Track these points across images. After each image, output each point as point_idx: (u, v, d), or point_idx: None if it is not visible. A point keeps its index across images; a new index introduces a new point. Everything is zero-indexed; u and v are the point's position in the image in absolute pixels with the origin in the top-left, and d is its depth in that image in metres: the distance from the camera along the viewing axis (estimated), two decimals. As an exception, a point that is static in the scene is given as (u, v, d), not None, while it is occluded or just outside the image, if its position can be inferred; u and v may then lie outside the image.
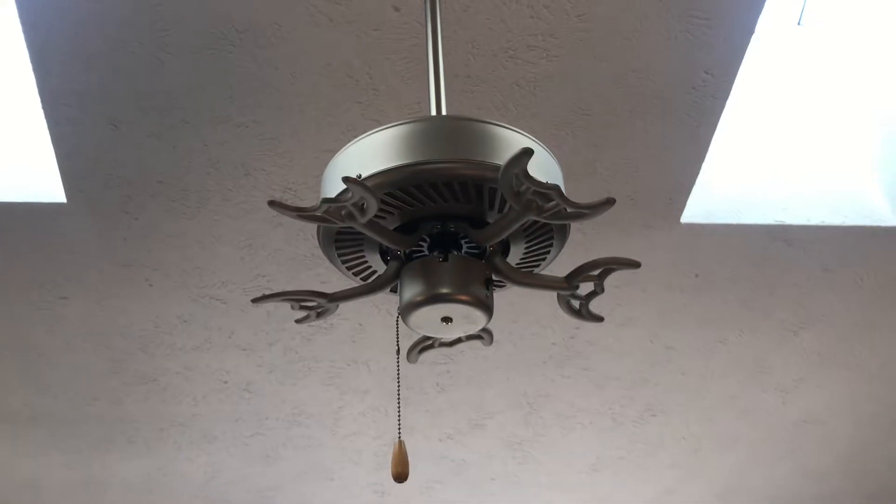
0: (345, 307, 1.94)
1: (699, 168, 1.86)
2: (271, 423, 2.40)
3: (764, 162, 2.06)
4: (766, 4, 1.63)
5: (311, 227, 1.70)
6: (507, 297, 2.00)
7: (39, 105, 1.68)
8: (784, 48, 2.25)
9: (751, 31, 1.65)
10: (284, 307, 1.88)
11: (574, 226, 1.46)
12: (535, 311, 2.11)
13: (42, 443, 2.43)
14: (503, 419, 2.44)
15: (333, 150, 1.72)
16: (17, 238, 1.92)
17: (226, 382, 2.27)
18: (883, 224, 2.00)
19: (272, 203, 0.92)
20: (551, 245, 1.07)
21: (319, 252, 1.09)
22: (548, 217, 0.94)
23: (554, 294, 1.09)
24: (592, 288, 1.08)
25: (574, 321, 1.42)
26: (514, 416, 2.44)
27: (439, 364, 2.25)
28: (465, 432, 2.48)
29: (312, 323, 1.14)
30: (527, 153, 0.88)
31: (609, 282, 1.07)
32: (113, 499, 2.65)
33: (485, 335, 1.15)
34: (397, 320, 1.05)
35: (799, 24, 2.40)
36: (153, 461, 2.51)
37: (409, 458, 1.09)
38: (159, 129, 1.70)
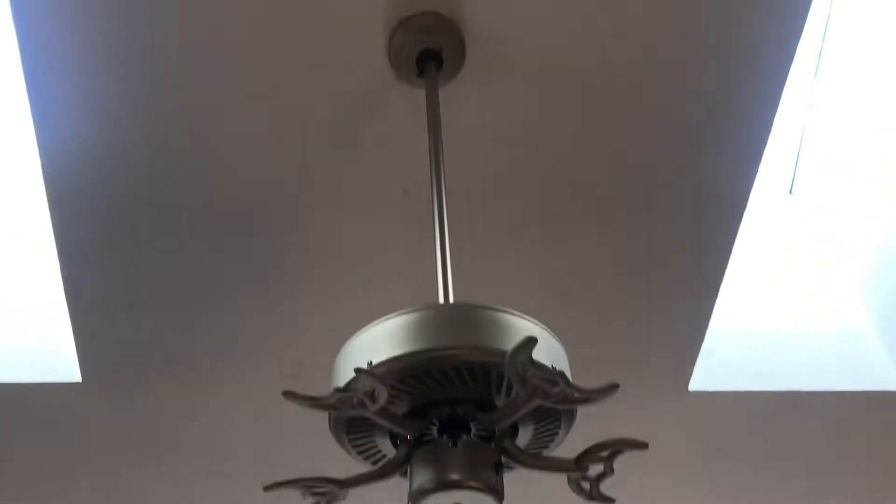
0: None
1: (703, 335, 1.89)
2: None
3: (768, 327, 2.09)
4: (758, 176, 1.72)
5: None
6: (520, 473, 1.98)
7: (61, 287, 1.74)
8: (777, 216, 2.34)
9: (744, 202, 1.72)
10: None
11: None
12: (549, 486, 2.08)
13: None
14: None
15: (344, 327, 1.76)
16: (28, 417, 1.94)
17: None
18: (893, 389, 2.00)
19: (286, 394, 0.95)
20: (559, 427, 1.08)
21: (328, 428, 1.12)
22: (554, 402, 0.96)
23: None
24: (602, 469, 1.08)
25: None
26: None
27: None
28: None
29: (323, 508, 1.14)
30: (531, 342, 0.91)
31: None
32: None
33: (496, 519, 1.14)
34: (408, 507, 1.05)
35: (791, 192, 2.50)
36: None
37: None
38: (175, 310, 1.76)
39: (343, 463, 1.14)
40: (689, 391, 1.96)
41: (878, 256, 2.07)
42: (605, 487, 1.09)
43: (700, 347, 1.90)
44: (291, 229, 1.66)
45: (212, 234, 1.66)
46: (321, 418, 1.05)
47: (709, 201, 1.68)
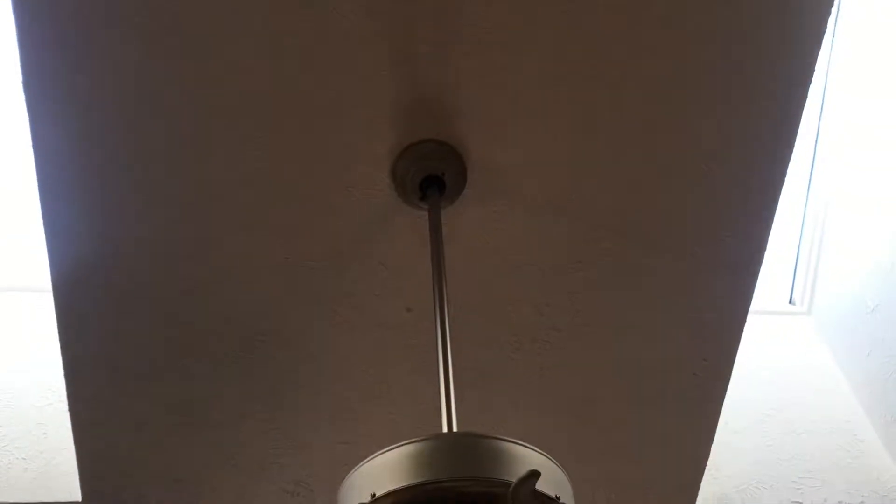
0: None
1: (708, 451, 1.88)
2: None
3: (772, 442, 2.08)
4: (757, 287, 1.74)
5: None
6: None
7: (66, 407, 1.75)
8: (778, 327, 2.35)
9: (744, 318, 1.74)
10: None
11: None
12: None
13: None
14: None
15: (348, 443, 1.77)
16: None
17: None
18: (901, 501, 1.97)
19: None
20: (564, 556, 1.07)
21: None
22: (558, 534, 0.96)
23: None
24: None
25: None
26: None
27: None
28: None
29: None
30: (534, 475, 0.92)
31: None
32: None
33: None
34: None
35: (791, 302, 2.53)
36: None
37: None
38: (180, 429, 1.76)
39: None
40: (695, 510, 1.94)
41: (883, 367, 2.08)
42: None
43: (705, 463, 1.89)
44: (294, 347, 1.67)
45: (217, 355, 1.67)
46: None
47: (708, 316, 1.70)
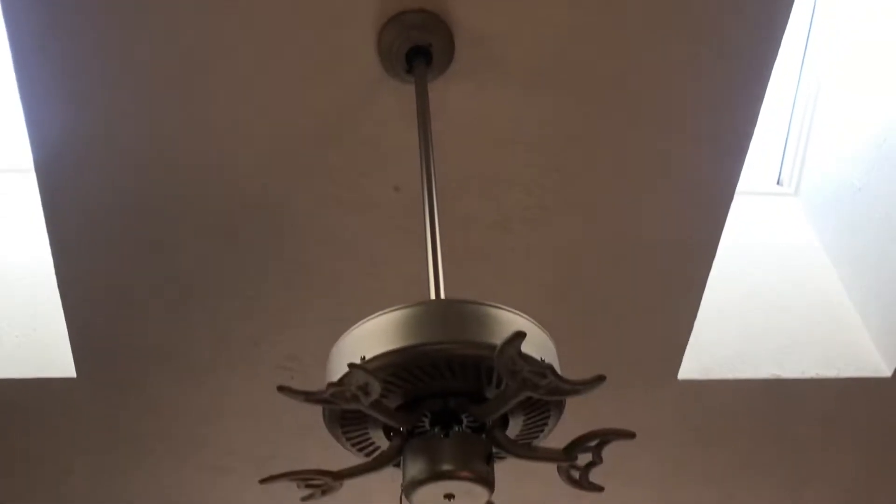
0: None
1: (692, 326, 1.92)
2: None
3: (754, 317, 2.12)
4: (745, 166, 1.74)
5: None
6: (511, 462, 2.01)
7: (55, 284, 1.76)
8: (766, 206, 2.36)
9: (731, 196, 1.75)
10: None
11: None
12: (539, 473, 2.11)
13: None
14: (512, 585, 2.38)
15: (337, 320, 1.78)
16: (25, 412, 1.95)
17: (229, 554, 2.24)
18: (876, 376, 2.03)
19: (281, 388, 0.97)
20: (549, 417, 1.10)
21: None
22: (543, 393, 0.98)
23: (555, 460, 1.12)
24: (591, 458, 1.10)
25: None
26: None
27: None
28: None
29: (318, 500, 1.16)
30: (520, 335, 0.93)
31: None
32: None
33: (488, 508, 1.16)
34: (401, 497, 1.07)
35: (778, 182, 2.53)
36: None
37: None
38: (170, 304, 1.77)
39: (338, 455, 1.16)
40: (678, 380, 1.99)
41: (868, 246, 2.10)
42: (597, 475, 1.11)
43: (688, 338, 1.93)
44: (284, 224, 1.67)
45: (206, 229, 1.67)
46: (316, 412, 1.07)
47: (695, 193, 1.70)
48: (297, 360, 1.87)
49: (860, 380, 2.04)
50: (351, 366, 0.95)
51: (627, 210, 1.71)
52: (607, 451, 1.09)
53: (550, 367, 0.97)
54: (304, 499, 1.14)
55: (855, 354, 2.07)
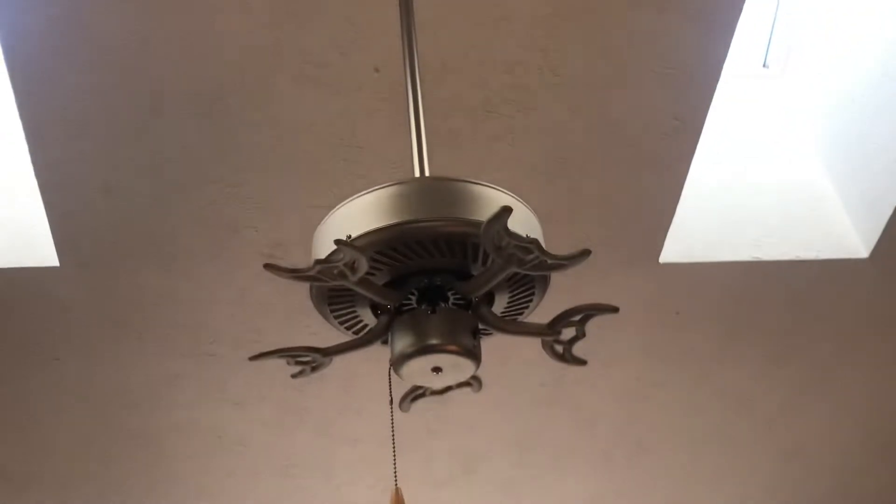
0: (336, 358, 1.97)
1: (674, 209, 1.93)
2: (265, 476, 2.42)
3: (736, 200, 2.13)
4: (732, 49, 1.72)
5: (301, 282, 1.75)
6: (495, 342, 2.05)
7: (32, 172, 1.73)
8: (751, 89, 2.34)
9: (716, 78, 1.73)
10: (277, 360, 1.92)
11: (556, 271, 1.51)
12: (523, 354, 2.16)
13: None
14: (496, 462, 2.47)
15: (320, 206, 1.79)
16: (9, 302, 1.95)
17: (219, 437, 2.29)
18: (854, 257, 2.06)
19: (267, 266, 0.97)
20: (534, 294, 1.12)
21: (309, 304, 1.14)
22: (528, 269, 0.99)
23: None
24: (574, 333, 1.12)
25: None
26: (506, 459, 2.46)
27: (430, 410, 2.28)
28: (458, 477, 2.50)
29: (308, 376, 1.18)
30: (506, 211, 0.93)
31: (594, 321, 1.12)
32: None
33: (474, 382, 1.19)
34: (389, 372, 1.09)
35: (764, 66, 2.50)
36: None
37: (406, 505, 1.12)
38: (150, 191, 1.75)
39: (326, 339, 1.17)
40: (659, 263, 2.01)
41: (850, 131, 2.10)
42: (577, 354, 1.13)
43: (671, 221, 1.94)
44: (264, 106, 1.64)
45: (184, 114, 1.64)
46: (302, 294, 1.07)
47: (681, 74, 1.68)
48: (281, 247, 1.87)
49: (838, 261, 2.07)
50: (338, 242, 0.95)
51: (613, 91, 1.69)
52: (588, 333, 1.11)
53: (536, 243, 0.97)
54: (294, 375, 1.15)
55: (835, 236, 2.10)
